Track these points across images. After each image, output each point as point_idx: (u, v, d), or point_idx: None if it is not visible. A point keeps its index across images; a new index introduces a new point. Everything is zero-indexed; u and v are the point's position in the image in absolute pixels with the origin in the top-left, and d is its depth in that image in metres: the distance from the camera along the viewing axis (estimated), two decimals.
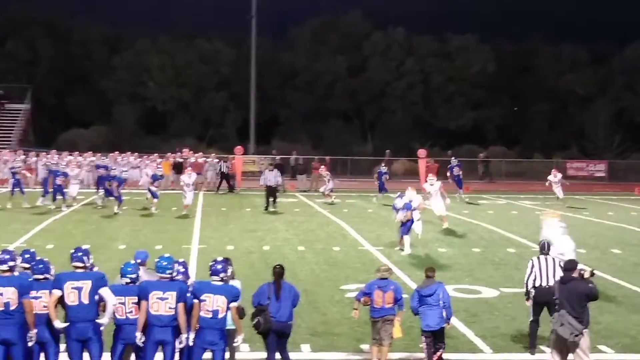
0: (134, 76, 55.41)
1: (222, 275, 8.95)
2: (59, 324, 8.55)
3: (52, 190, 26.15)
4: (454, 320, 11.24)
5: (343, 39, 58.68)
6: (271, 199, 27.54)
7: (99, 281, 8.68)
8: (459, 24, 63.42)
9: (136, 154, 39.14)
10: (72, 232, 21.30)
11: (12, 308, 8.42)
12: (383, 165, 34.41)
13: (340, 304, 13.60)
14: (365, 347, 11.05)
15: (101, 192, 28.29)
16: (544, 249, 11.51)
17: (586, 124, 56.20)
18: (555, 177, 31.20)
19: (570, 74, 58.97)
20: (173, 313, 8.61)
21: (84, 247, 9.15)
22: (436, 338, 10.15)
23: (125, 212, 25.30)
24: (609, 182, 46.20)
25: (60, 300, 8.58)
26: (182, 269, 9.16)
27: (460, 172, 33.09)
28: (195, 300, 8.72)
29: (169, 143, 49.34)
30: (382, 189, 31.43)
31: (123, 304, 8.69)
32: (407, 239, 18.79)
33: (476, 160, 47.27)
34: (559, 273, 10.62)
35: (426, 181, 24.18)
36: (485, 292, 14.82)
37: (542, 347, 11.05)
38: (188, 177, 25.92)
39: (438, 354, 10.14)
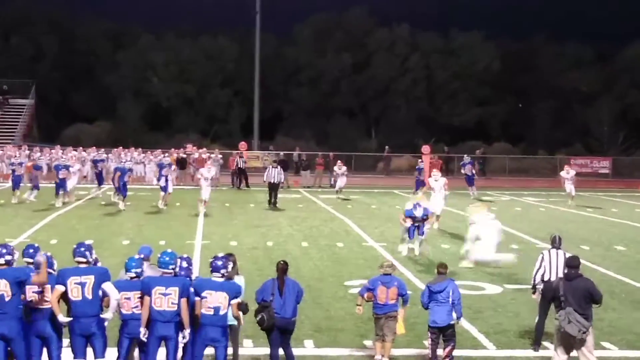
0: (138, 72, 55.42)
1: (222, 271, 8.89)
2: (62, 317, 8.53)
3: (54, 184, 26.20)
4: None
5: (347, 35, 58.61)
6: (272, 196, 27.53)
7: (102, 276, 8.67)
8: (464, 21, 63.48)
9: (140, 149, 39.20)
10: (76, 228, 21.32)
11: (6, 300, 8.38)
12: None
13: (343, 300, 13.60)
14: (368, 343, 11.04)
15: (104, 187, 28.30)
16: (555, 242, 11.34)
17: (590, 121, 56.12)
18: (568, 173, 30.53)
19: (574, 72, 58.82)
20: (176, 309, 8.58)
21: (87, 242, 9.16)
22: (443, 334, 10.06)
23: (129, 208, 25.30)
24: (613, 179, 46.22)
25: (63, 296, 8.57)
26: (185, 265, 9.14)
27: (473, 170, 32.95)
28: (197, 298, 8.70)
29: (173, 139, 49.44)
30: (418, 186, 29.58)
31: (129, 299, 8.67)
32: (420, 239, 17.80)
33: (475, 157, 46.99)
34: None
35: (430, 176, 24.14)
36: (488, 288, 14.80)
37: (546, 344, 11.02)
38: (207, 171, 25.55)
39: (447, 349, 10.04)
